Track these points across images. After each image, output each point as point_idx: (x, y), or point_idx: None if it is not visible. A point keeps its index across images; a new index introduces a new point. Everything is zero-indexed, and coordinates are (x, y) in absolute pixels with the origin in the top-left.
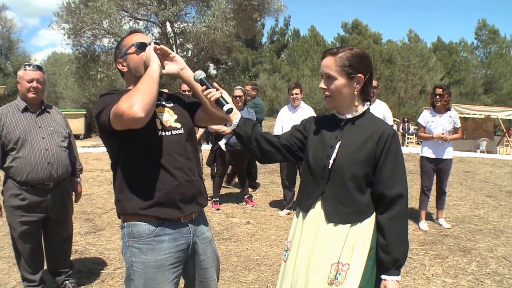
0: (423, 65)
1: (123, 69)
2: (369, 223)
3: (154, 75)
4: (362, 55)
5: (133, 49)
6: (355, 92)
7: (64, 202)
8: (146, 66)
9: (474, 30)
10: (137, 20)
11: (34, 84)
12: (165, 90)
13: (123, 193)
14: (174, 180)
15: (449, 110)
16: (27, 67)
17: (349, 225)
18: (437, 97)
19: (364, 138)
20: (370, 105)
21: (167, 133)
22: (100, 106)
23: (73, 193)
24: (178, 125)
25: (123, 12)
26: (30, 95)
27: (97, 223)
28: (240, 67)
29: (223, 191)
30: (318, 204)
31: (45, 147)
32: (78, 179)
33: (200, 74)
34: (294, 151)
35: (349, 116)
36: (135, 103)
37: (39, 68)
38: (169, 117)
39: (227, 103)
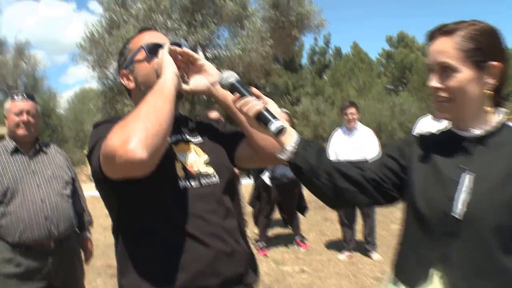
0: None
1: (128, 84)
2: None
3: (167, 89)
4: (493, 32)
5: (142, 55)
6: (487, 91)
7: (71, 265)
8: (158, 78)
9: None
10: None
11: (24, 117)
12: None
13: (127, 275)
14: (206, 253)
15: None
16: (15, 96)
17: None
18: None
19: (510, 167)
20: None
21: (193, 183)
22: (91, 143)
23: (83, 251)
24: (210, 169)
25: None
26: (20, 131)
27: None
28: (280, 91)
29: (269, 231)
30: (437, 276)
31: (41, 197)
32: (88, 233)
33: (230, 76)
34: (385, 189)
35: (477, 131)
36: (132, 136)
37: (30, 97)
38: (196, 158)
39: (276, 118)
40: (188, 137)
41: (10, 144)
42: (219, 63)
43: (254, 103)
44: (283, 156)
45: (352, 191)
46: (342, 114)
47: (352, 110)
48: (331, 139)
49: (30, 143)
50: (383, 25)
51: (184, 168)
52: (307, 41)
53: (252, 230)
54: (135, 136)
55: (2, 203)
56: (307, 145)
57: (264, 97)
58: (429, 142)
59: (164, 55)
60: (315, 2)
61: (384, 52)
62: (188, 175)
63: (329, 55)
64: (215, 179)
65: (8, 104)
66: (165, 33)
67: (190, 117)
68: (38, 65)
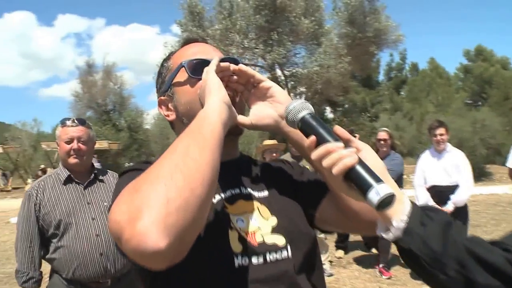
0: None
1: (168, 116)
2: None
3: (208, 128)
4: None
5: (183, 75)
6: None
7: None
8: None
9: None
10: None
11: (75, 144)
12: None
13: None
14: None
15: None
16: (66, 122)
17: None
18: None
19: None
20: None
21: (254, 260)
22: (112, 199)
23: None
24: (280, 239)
25: None
26: (72, 160)
27: None
28: (358, 108)
29: (350, 255)
30: None
31: (95, 231)
32: None
33: (300, 107)
34: None
35: None
36: (143, 210)
37: (81, 122)
38: (260, 222)
39: (378, 180)
40: (250, 190)
41: (63, 173)
42: (296, 80)
43: (341, 154)
44: (388, 236)
45: (495, 287)
46: (430, 135)
47: (440, 130)
48: (419, 161)
49: (85, 172)
50: (460, 40)
51: (242, 239)
52: (384, 58)
53: (332, 254)
54: (148, 210)
55: (55, 236)
56: (426, 217)
57: (355, 141)
58: None
59: (208, 75)
60: (391, 18)
61: (462, 67)
62: (248, 249)
63: (405, 71)
64: (287, 252)
65: (58, 131)
66: (242, 51)
67: (253, 159)
68: (125, 84)
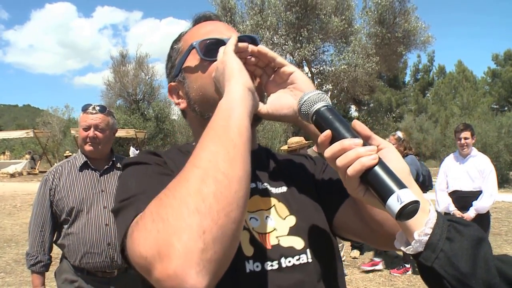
0: None
1: (179, 104)
2: None
3: (235, 126)
4: None
5: (194, 58)
6: None
7: None
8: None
9: None
10: None
11: (91, 132)
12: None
13: None
14: None
15: None
16: (87, 108)
17: None
18: None
19: None
20: None
21: (268, 265)
22: (117, 198)
23: None
24: (299, 242)
25: None
26: (87, 147)
27: None
28: (383, 108)
29: (366, 256)
30: None
31: (105, 221)
32: None
33: (316, 99)
34: None
35: None
36: (175, 246)
37: (101, 109)
38: (276, 222)
39: (401, 185)
40: (267, 185)
41: (80, 159)
42: (323, 78)
43: (358, 152)
44: (408, 250)
45: None
46: (455, 139)
47: (466, 134)
48: (443, 164)
49: (102, 159)
50: (489, 44)
51: (254, 241)
52: (411, 59)
53: (347, 254)
54: (181, 245)
55: (67, 222)
56: (454, 231)
57: (377, 138)
58: None
59: (227, 56)
60: (421, 18)
61: (489, 71)
62: (261, 253)
63: (432, 73)
64: (306, 257)
65: (79, 117)
66: (271, 47)
67: (272, 151)
68: (156, 75)
